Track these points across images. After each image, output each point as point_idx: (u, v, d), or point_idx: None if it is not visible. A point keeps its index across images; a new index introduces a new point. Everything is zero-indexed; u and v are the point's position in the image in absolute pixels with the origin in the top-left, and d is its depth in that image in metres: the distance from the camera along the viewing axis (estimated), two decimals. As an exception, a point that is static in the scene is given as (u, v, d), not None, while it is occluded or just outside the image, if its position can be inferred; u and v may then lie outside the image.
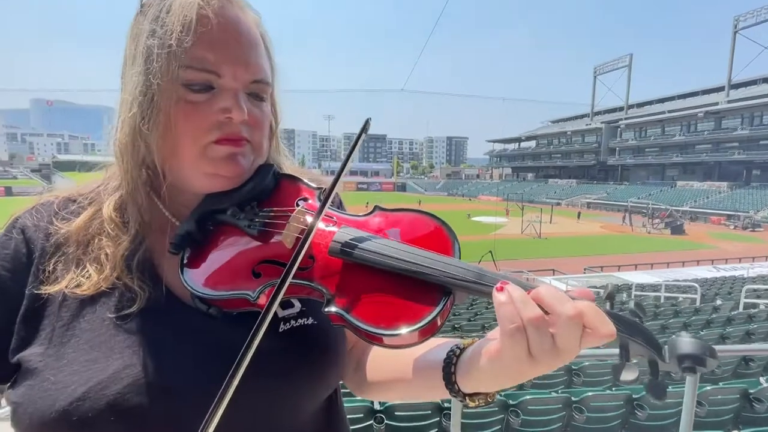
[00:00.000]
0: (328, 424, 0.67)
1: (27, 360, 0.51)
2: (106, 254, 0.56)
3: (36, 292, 0.54)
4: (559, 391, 3.76)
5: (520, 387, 4.36)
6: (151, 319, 0.54)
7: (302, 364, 0.58)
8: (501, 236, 26.37)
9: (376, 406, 2.82)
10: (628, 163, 66.94)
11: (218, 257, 0.57)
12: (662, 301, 10.18)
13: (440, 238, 0.53)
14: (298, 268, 0.48)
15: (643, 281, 14.18)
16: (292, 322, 0.60)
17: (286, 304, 0.62)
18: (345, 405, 0.74)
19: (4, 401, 0.52)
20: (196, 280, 0.54)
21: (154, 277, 0.58)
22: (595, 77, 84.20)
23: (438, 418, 3.09)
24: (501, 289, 0.43)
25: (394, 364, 0.65)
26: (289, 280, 0.46)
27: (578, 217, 40.63)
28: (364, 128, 0.53)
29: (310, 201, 0.61)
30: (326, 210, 0.55)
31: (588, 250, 23.51)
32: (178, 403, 0.50)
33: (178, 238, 0.57)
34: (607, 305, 0.46)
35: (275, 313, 0.56)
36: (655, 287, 12.54)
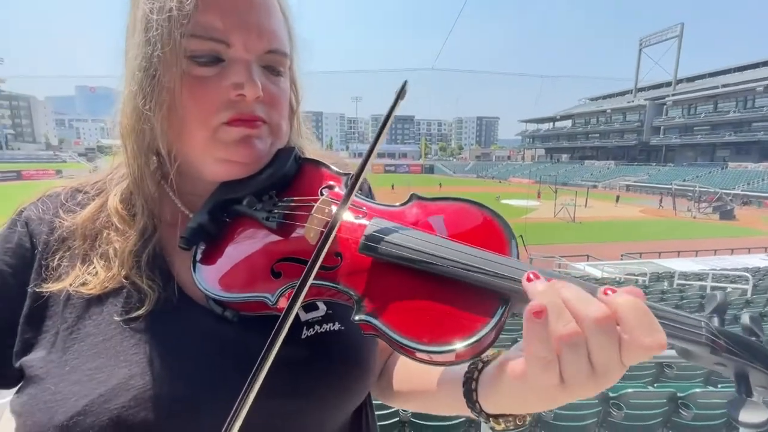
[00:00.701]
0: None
1: (29, 366, 0.46)
2: (114, 250, 0.51)
3: (38, 290, 0.49)
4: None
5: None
6: (162, 321, 0.49)
7: (327, 378, 0.51)
8: (532, 220, 25.52)
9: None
10: (674, 143, 62.64)
11: (234, 253, 0.51)
12: (708, 291, 9.55)
13: (493, 232, 0.45)
14: (324, 267, 0.43)
15: (686, 269, 13.35)
16: (317, 327, 0.53)
17: (309, 307, 0.55)
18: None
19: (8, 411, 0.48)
20: (209, 279, 0.49)
21: (165, 275, 0.52)
22: (640, 50, 78.43)
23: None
24: (538, 314, 0.34)
25: (422, 374, 0.58)
26: (310, 281, 0.40)
27: (616, 200, 38.45)
28: (401, 94, 0.43)
29: (336, 189, 0.54)
30: (353, 199, 0.49)
31: (626, 236, 22.37)
32: (189, 419, 0.44)
33: (190, 232, 0.51)
34: (715, 321, 0.36)
35: (297, 317, 0.52)
36: (700, 276, 11.77)
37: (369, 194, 0.69)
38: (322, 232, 0.47)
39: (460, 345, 0.37)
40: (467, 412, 0.46)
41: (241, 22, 0.48)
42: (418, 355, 0.39)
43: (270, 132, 0.54)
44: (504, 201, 36.38)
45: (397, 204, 0.52)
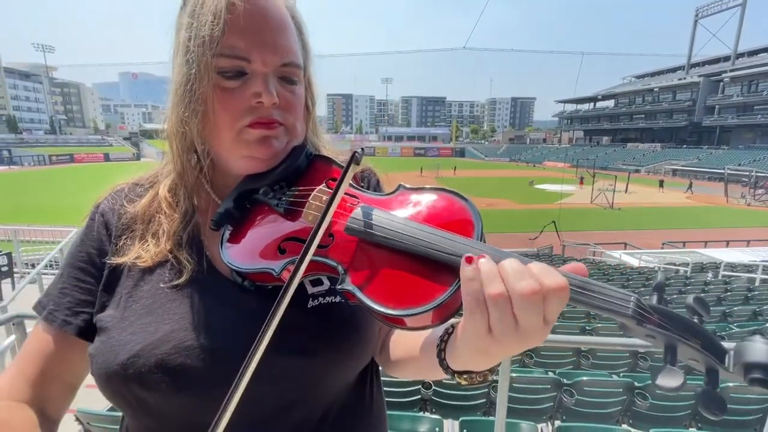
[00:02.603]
0: (360, 398, 0.69)
1: (101, 320, 0.60)
2: (163, 230, 0.64)
3: (109, 263, 0.64)
4: (621, 374, 3.54)
5: (576, 366, 4.20)
6: (197, 289, 0.61)
7: (327, 341, 0.60)
8: (567, 205, 24.64)
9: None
10: (730, 124, 57.68)
11: (253, 234, 0.61)
12: (757, 283, 8.95)
13: (461, 217, 0.52)
14: (319, 245, 0.50)
15: (734, 260, 12.52)
16: (320, 299, 0.62)
17: (316, 282, 0.63)
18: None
19: None
20: (232, 254, 0.59)
21: (200, 252, 0.64)
22: (695, 21, 71.91)
23: (486, 389, 3.09)
24: (470, 260, 0.42)
25: (408, 343, 0.66)
26: (309, 257, 0.48)
27: (660, 185, 36.11)
28: (351, 162, 0.52)
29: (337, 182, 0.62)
30: (349, 189, 0.58)
31: (669, 223, 21.13)
32: (219, 364, 0.55)
33: (218, 216, 0.61)
34: (654, 298, 0.41)
35: (305, 290, 0.62)
36: (749, 268, 11.02)
37: (376, 186, 0.78)
38: (316, 216, 0.57)
39: (420, 309, 0.44)
40: (443, 374, 0.53)
41: (259, 41, 0.58)
42: (388, 319, 0.47)
43: (286, 132, 0.64)
44: (538, 186, 35.26)
45: (385, 193, 0.60)
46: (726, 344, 0.37)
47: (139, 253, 0.63)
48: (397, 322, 0.47)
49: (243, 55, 0.57)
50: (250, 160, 0.61)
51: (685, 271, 10.53)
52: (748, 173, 33.81)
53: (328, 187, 0.61)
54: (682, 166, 50.23)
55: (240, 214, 0.63)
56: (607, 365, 3.99)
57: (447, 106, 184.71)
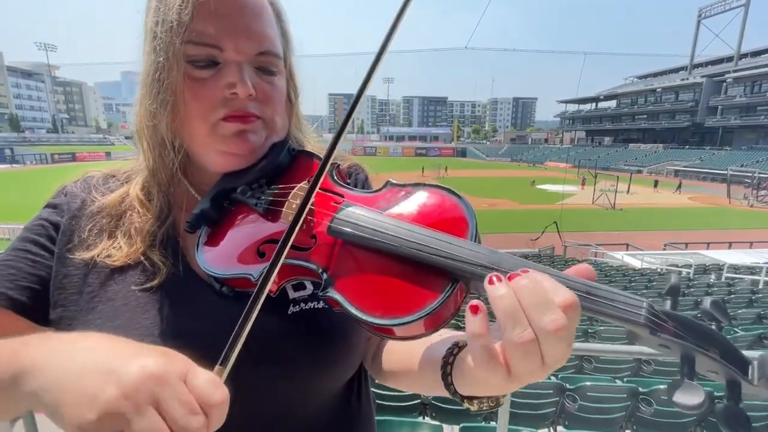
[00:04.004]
0: (346, 408, 0.65)
1: (58, 322, 0.54)
2: (136, 229, 0.59)
3: (70, 255, 0.57)
4: (625, 379, 3.49)
5: (579, 370, 4.14)
6: (170, 293, 0.56)
7: (308, 350, 0.56)
8: (568, 206, 24.53)
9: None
10: (733, 125, 57.44)
11: (231, 236, 0.57)
12: (761, 285, 8.88)
13: (453, 216, 0.47)
14: (299, 247, 0.48)
15: (737, 261, 12.44)
16: (302, 304, 0.58)
17: (298, 286, 0.59)
18: None
19: None
20: (208, 258, 0.55)
21: (176, 254, 0.59)
22: (698, 22, 71.64)
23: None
24: (474, 310, 0.37)
25: (404, 355, 0.61)
26: (281, 261, 0.43)
27: (655, 185, 35.91)
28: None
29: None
30: (332, 185, 0.54)
31: (671, 224, 21.02)
32: None
33: (193, 217, 0.57)
34: (668, 304, 0.37)
35: (286, 295, 0.58)
36: (753, 270, 10.94)
37: (365, 183, 0.72)
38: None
39: (409, 318, 0.40)
40: (445, 392, 0.49)
41: (231, 27, 0.53)
42: (376, 328, 0.43)
43: (264, 126, 0.59)
44: (539, 186, 35.18)
45: (372, 190, 0.56)
46: (748, 353, 0.34)
47: (109, 251, 0.57)
48: (386, 332, 0.43)
49: (214, 42, 0.53)
50: (225, 155, 0.57)
51: (688, 273, 10.45)
52: (750, 174, 33.65)
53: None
54: (684, 166, 50.04)
55: (218, 214, 0.58)
56: (611, 369, 3.94)
57: (448, 106, 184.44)
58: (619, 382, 3.29)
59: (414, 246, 0.43)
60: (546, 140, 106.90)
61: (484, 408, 0.47)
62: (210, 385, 0.35)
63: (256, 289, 0.42)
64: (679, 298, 0.37)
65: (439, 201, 0.50)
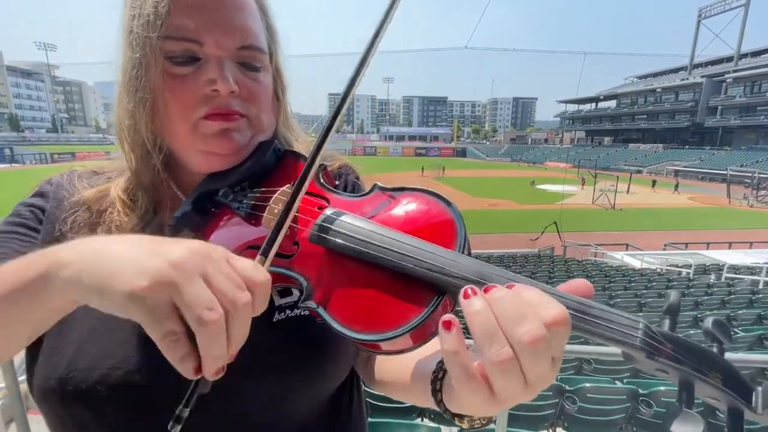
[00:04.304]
0: (338, 415, 0.63)
1: None
2: (117, 227, 0.56)
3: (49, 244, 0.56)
4: (625, 381, 3.47)
5: (578, 371, 4.12)
6: None
7: (296, 361, 0.54)
8: (568, 206, 24.50)
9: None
10: (732, 125, 57.45)
11: (214, 241, 0.54)
12: (761, 286, 8.85)
13: (440, 222, 0.45)
14: (281, 255, 0.45)
15: (737, 262, 12.41)
16: (288, 312, 0.56)
17: (284, 292, 0.57)
18: None
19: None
20: None
21: None
22: (698, 22, 71.62)
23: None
24: (448, 326, 0.34)
25: (396, 365, 0.59)
26: (265, 268, 0.41)
27: (652, 185, 35.84)
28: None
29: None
30: (317, 188, 0.52)
31: (671, 224, 20.99)
32: (167, 382, 0.46)
33: (175, 221, 0.54)
34: (666, 325, 0.34)
35: (272, 301, 0.54)
36: (752, 270, 10.92)
37: (354, 186, 0.69)
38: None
39: (390, 334, 0.38)
40: (436, 407, 0.47)
41: (211, 21, 0.51)
42: (360, 344, 0.41)
43: (249, 125, 0.57)
44: (539, 186, 35.14)
45: (359, 194, 0.53)
46: (749, 355, 0.31)
47: None
48: (372, 347, 0.41)
49: (193, 36, 0.50)
50: (208, 156, 0.55)
51: (688, 273, 10.43)
52: (750, 174, 33.64)
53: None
54: (684, 167, 50.01)
55: (201, 218, 0.56)
56: (611, 371, 3.92)
57: (448, 105, 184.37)
58: (618, 384, 3.27)
59: (397, 256, 0.41)
60: (546, 140, 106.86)
61: (476, 426, 0.44)
62: (253, 266, 0.36)
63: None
64: (678, 317, 0.34)
65: (427, 207, 0.48)
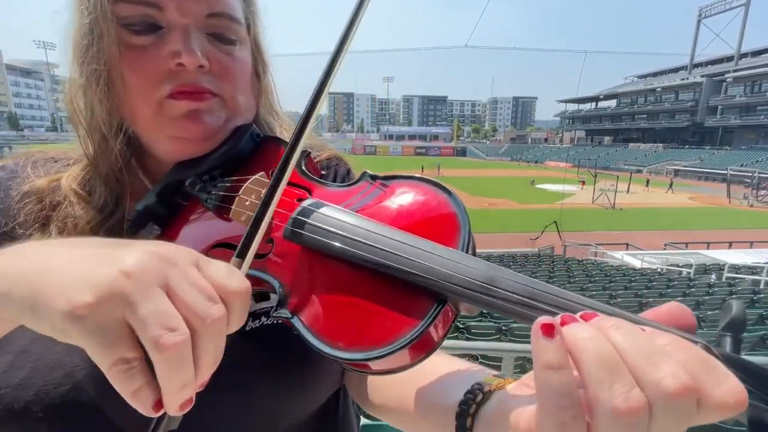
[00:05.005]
0: (325, 429, 0.56)
1: None
2: (74, 225, 0.49)
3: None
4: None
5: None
6: None
7: (270, 373, 0.47)
8: (568, 205, 24.45)
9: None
10: (732, 124, 57.42)
11: (180, 238, 0.48)
12: (762, 286, 8.83)
13: (441, 216, 0.39)
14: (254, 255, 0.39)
15: (738, 261, 12.37)
16: (263, 318, 0.49)
17: (260, 296, 0.49)
18: None
19: None
20: None
21: None
22: (698, 21, 71.55)
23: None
24: (549, 330, 0.24)
25: (395, 388, 0.50)
26: (244, 270, 0.36)
27: (647, 184, 35.54)
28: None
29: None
30: (299, 178, 0.45)
31: (671, 224, 20.94)
32: (119, 398, 0.40)
33: (135, 215, 0.48)
34: (727, 344, 0.27)
35: None
36: (753, 269, 10.88)
37: (345, 177, 0.63)
38: (249, 216, 0.42)
39: (380, 351, 0.33)
40: None
41: None
42: (342, 362, 0.35)
43: (223, 105, 0.50)
44: (539, 185, 35.10)
45: (346, 183, 0.47)
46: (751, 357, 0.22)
47: None
48: (359, 367, 0.35)
49: None
50: (176, 141, 0.48)
51: (689, 273, 10.39)
52: (750, 174, 33.62)
53: (268, 177, 0.47)
54: (684, 166, 49.98)
55: (167, 211, 0.49)
56: None
57: (448, 105, 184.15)
58: None
59: (387, 256, 0.35)
60: (546, 140, 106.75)
61: None
62: (226, 270, 0.29)
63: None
64: (743, 335, 0.26)
65: (424, 198, 0.41)
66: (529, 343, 0.24)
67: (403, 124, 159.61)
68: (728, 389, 0.22)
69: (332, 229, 0.38)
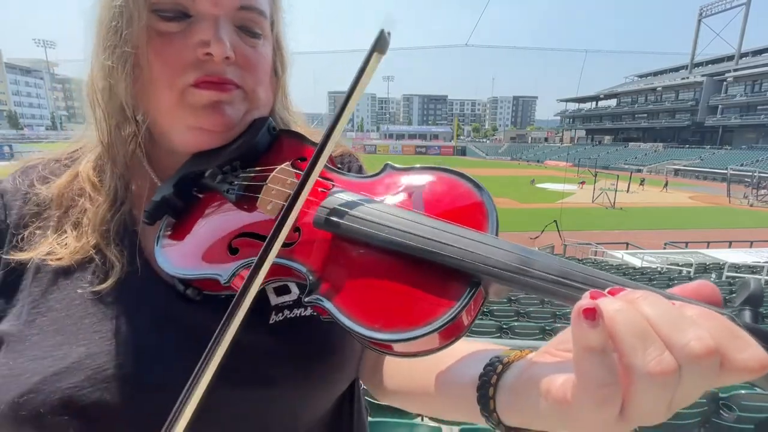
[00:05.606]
0: (339, 426, 0.57)
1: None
2: (88, 219, 0.49)
3: (7, 258, 0.48)
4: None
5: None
6: (124, 298, 0.46)
7: (294, 369, 0.47)
8: (568, 205, 24.48)
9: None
10: (733, 124, 57.40)
11: (198, 229, 0.48)
12: (762, 284, 8.82)
13: (469, 205, 0.40)
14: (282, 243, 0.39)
15: (738, 261, 12.38)
16: (286, 312, 0.49)
17: (281, 290, 0.50)
18: None
19: None
20: (170, 255, 0.46)
21: (133, 249, 0.49)
22: (699, 21, 71.45)
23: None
24: (591, 314, 0.25)
25: (413, 372, 0.51)
26: (270, 258, 0.36)
27: (641, 183, 35.38)
28: (378, 44, 0.35)
29: (308, 161, 0.46)
30: (321, 167, 0.43)
31: (671, 223, 20.97)
32: (148, 400, 0.42)
33: (153, 206, 0.48)
34: (746, 315, 0.28)
35: (268, 300, 0.49)
36: (753, 269, 10.89)
37: (358, 173, 0.63)
38: (280, 204, 0.43)
39: (417, 333, 0.33)
40: (477, 419, 0.39)
41: None
42: (373, 343, 0.36)
43: (244, 98, 0.51)
44: (539, 185, 35.11)
45: (369, 175, 0.48)
46: None
47: (53, 247, 0.47)
48: (385, 347, 0.36)
49: None
50: (196, 132, 0.48)
51: (689, 272, 10.40)
52: (750, 174, 33.62)
53: (295, 167, 0.47)
54: (684, 166, 49.99)
55: (183, 203, 0.50)
56: None
57: (448, 104, 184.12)
58: None
59: (425, 242, 0.35)
60: (546, 139, 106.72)
61: None
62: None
63: (238, 293, 0.35)
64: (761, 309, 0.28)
65: (451, 187, 0.42)
66: (529, 340, 0.34)
67: (403, 124, 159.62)
68: (752, 354, 0.24)
69: (366, 217, 0.38)
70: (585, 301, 0.26)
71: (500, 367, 0.37)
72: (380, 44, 0.35)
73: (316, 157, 0.38)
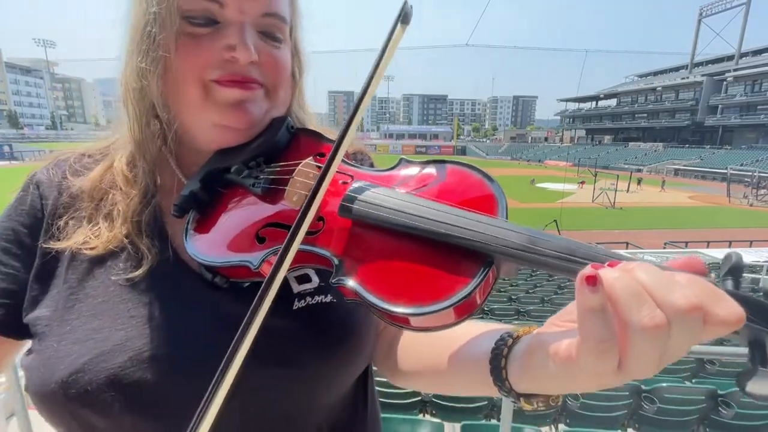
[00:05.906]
0: (354, 412, 0.61)
1: (34, 324, 0.49)
2: (118, 210, 0.52)
3: (45, 246, 0.51)
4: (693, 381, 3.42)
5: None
6: (157, 286, 0.50)
7: (317, 350, 0.51)
8: (568, 204, 24.51)
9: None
10: (733, 124, 57.40)
11: (224, 221, 0.52)
12: (762, 284, 8.84)
13: (480, 195, 0.43)
14: (306, 231, 0.42)
15: (737, 260, 12.39)
16: (308, 299, 0.53)
17: (302, 278, 0.54)
18: None
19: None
20: (198, 245, 0.50)
21: (163, 240, 0.53)
22: (699, 20, 71.42)
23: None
24: (593, 281, 0.29)
25: (426, 352, 0.56)
26: (297, 244, 0.39)
27: (638, 183, 35.39)
28: (401, 17, 0.38)
29: (326, 157, 0.50)
30: (339, 162, 0.47)
31: (671, 223, 20.97)
32: (185, 379, 0.45)
33: (181, 199, 0.51)
34: (729, 283, 0.32)
35: (290, 288, 0.53)
36: (753, 268, 10.92)
37: (372, 166, 0.67)
38: (305, 195, 0.47)
39: (437, 306, 0.36)
40: (489, 391, 0.43)
41: None
42: (396, 317, 0.39)
43: (266, 96, 0.54)
44: (539, 185, 35.13)
45: (385, 168, 0.52)
46: None
47: (88, 237, 0.51)
48: (403, 322, 0.39)
49: None
50: (221, 129, 0.52)
51: (688, 272, 10.42)
52: (750, 173, 33.63)
53: (316, 162, 0.52)
54: (684, 165, 50.00)
55: (209, 197, 0.53)
56: (681, 370, 3.86)
57: (449, 104, 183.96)
58: (695, 384, 3.23)
59: (442, 226, 0.39)
60: (546, 139, 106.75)
61: (541, 408, 0.40)
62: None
63: (267, 278, 0.37)
64: (742, 278, 0.32)
65: (463, 177, 0.46)
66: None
67: (403, 123, 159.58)
68: (729, 309, 0.28)
69: (386, 206, 0.42)
70: (587, 269, 0.30)
71: (510, 340, 0.42)
72: (404, 15, 0.37)
73: (343, 133, 0.42)
